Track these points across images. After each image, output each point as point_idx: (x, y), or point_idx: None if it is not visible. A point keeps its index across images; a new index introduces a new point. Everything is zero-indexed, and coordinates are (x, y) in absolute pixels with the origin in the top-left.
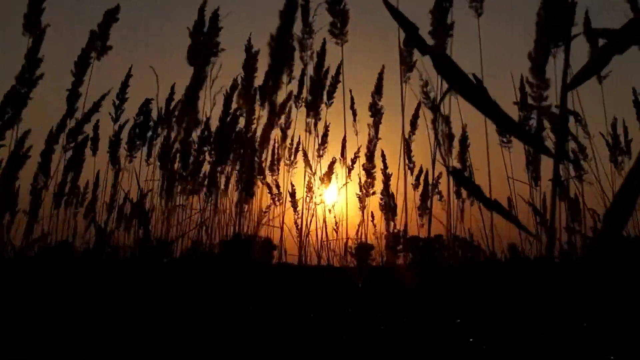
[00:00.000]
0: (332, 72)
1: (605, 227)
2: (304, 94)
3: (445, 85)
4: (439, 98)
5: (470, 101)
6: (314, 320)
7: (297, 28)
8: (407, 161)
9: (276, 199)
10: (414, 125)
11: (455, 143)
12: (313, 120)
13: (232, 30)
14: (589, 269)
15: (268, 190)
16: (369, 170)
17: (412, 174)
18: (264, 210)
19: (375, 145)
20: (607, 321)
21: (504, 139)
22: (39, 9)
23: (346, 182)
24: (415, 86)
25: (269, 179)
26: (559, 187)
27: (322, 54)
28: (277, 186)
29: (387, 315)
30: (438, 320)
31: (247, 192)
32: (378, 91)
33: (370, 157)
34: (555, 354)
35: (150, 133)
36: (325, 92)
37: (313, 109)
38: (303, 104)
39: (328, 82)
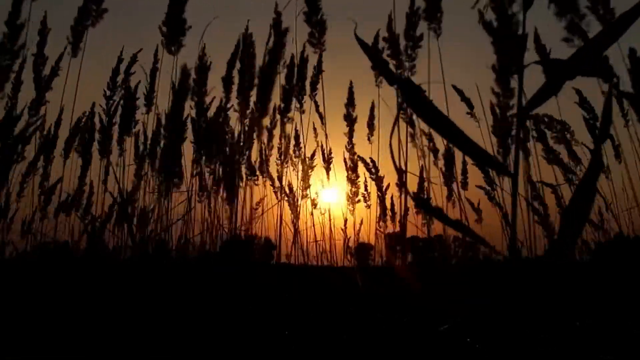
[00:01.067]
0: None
1: (560, 233)
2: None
3: None
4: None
5: (438, 131)
6: (314, 319)
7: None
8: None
9: (278, 192)
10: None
11: (440, 156)
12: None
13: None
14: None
15: (271, 183)
16: (353, 180)
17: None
18: (254, 207)
19: (355, 155)
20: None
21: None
22: None
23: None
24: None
25: (260, 180)
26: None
27: (301, 63)
28: (280, 179)
29: (386, 315)
30: (437, 320)
31: (229, 194)
32: (350, 103)
33: (354, 167)
34: (551, 352)
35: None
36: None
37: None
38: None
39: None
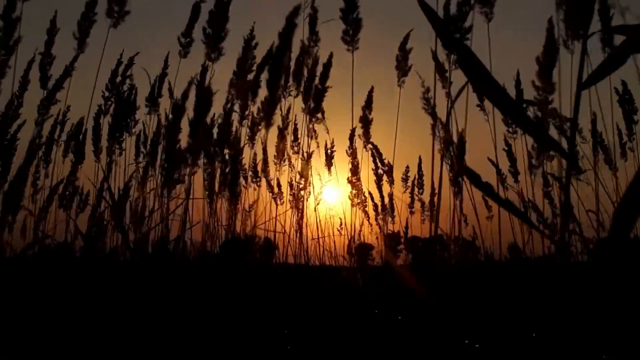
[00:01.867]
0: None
1: (614, 228)
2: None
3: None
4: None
5: (488, 97)
6: (313, 319)
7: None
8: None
9: (277, 197)
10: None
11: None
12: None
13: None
14: (596, 269)
15: (268, 188)
16: (354, 183)
17: (386, 175)
18: (248, 209)
19: (356, 158)
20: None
21: (510, 129)
22: None
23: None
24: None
25: (263, 181)
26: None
27: (327, 65)
28: (279, 185)
29: (386, 314)
30: (437, 319)
31: (232, 194)
32: (368, 106)
33: (354, 170)
34: (552, 354)
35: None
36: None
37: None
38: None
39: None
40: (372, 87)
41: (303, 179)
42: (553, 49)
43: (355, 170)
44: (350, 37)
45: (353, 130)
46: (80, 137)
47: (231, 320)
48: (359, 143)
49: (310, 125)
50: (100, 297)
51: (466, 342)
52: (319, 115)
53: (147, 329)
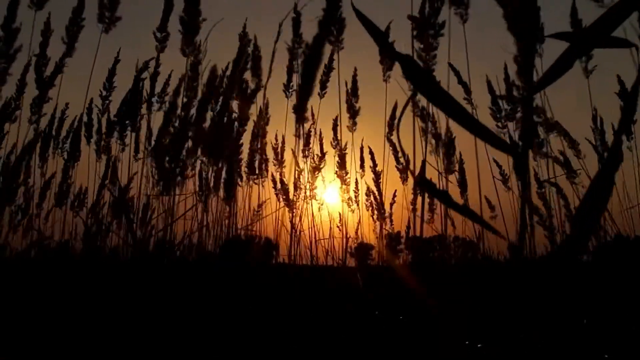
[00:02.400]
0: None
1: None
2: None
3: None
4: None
5: (440, 107)
6: (313, 318)
7: (288, 37)
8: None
9: (279, 194)
10: (391, 126)
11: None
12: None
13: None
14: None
15: (273, 186)
16: (342, 177)
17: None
18: (256, 209)
19: (343, 151)
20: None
21: (499, 124)
22: None
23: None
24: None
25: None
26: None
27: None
28: (282, 182)
29: (386, 314)
30: (437, 319)
31: (227, 195)
32: (354, 93)
33: (341, 164)
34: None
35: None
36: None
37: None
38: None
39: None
40: (355, 69)
41: (306, 179)
42: (531, 47)
43: (342, 163)
44: (335, 37)
45: (336, 120)
46: (76, 133)
47: (231, 320)
48: (346, 136)
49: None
50: (103, 297)
51: (467, 342)
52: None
53: (147, 328)
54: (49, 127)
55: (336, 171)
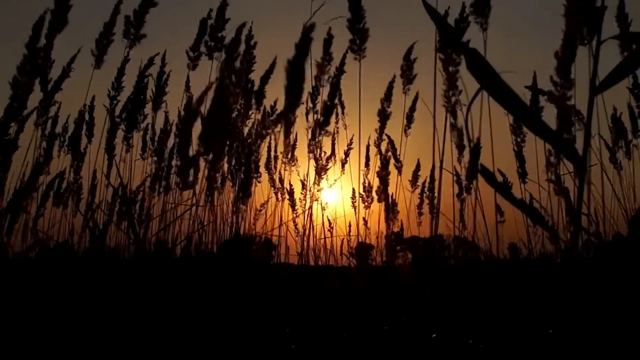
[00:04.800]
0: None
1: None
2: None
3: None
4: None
5: (500, 102)
6: (313, 318)
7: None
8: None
9: (279, 193)
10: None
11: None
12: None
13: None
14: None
15: (271, 184)
16: (383, 177)
17: (399, 173)
18: (259, 209)
19: (387, 153)
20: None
21: (519, 139)
22: None
23: (339, 177)
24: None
25: (265, 176)
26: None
27: (336, 83)
28: (281, 180)
29: (386, 314)
30: (436, 319)
31: (243, 193)
32: (387, 98)
33: (385, 164)
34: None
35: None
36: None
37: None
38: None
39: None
40: (394, 77)
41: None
42: (573, 43)
43: (386, 164)
44: (357, 47)
45: (383, 123)
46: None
47: (231, 320)
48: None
49: (320, 137)
50: (105, 296)
51: (470, 341)
52: (328, 128)
53: (148, 327)
54: (52, 126)
55: (377, 171)
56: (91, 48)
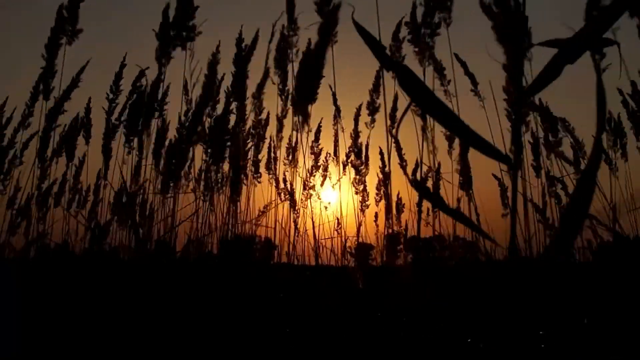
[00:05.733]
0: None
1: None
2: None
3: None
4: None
5: (435, 117)
6: (313, 318)
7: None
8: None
9: (282, 193)
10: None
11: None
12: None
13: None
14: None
15: (275, 185)
16: (357, 167)
17: (405, 172)
18: (261, 210)
19: (361, 142)
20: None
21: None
22: None
23: (340, 177)
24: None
25: (265, 177)
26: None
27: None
28: (285, 180)
29: (386, 314)
30: (436, 319)
31: (232, 192)
32: (376, 89)
33: (358, 153)
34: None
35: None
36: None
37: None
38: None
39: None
40: (379, 70)
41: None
42: (518, 55)
43: (359, 153)
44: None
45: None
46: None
47: (231, 320)
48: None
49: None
50: (105, 296)
51: (469, 340)
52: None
53: (148, 327)
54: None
55: (351, 160)
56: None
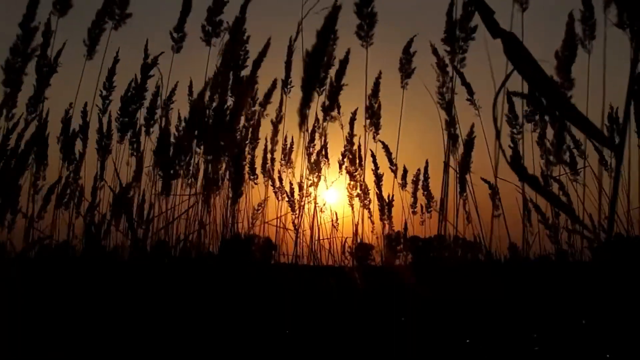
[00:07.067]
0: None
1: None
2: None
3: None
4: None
5: (536, 88)
6: (314, 318)
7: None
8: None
9: (278, 193)
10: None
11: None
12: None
13: None
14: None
15: (271, 184)
16: (351, 172)
17: (395, 175)
18: (256, 208)
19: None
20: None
21: (514, 130)
22: None
23: (336, 179)
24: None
25: (261, 178)
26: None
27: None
28: (280, 179)
29: (386, 314)
30: (436, 319)
31: (235, 192)
32: (375, 94)
33: (352, 159)
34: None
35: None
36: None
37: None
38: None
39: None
40: (380, 73)
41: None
42: (573, 43)
43: (353, 159)
44: (365, 32)
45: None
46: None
47: (231, 319)
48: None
49: (325, 123)
50: (105, 296)
51: (467, 341)
52: (334, 112)
53: (148, 327)
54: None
55: (346, 166)
56: (83, 38)
